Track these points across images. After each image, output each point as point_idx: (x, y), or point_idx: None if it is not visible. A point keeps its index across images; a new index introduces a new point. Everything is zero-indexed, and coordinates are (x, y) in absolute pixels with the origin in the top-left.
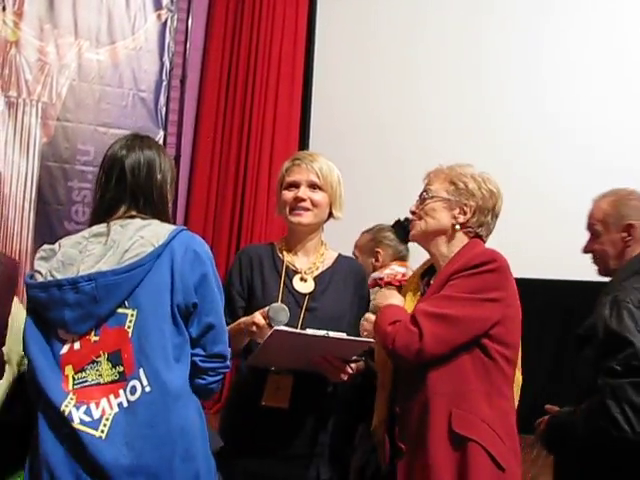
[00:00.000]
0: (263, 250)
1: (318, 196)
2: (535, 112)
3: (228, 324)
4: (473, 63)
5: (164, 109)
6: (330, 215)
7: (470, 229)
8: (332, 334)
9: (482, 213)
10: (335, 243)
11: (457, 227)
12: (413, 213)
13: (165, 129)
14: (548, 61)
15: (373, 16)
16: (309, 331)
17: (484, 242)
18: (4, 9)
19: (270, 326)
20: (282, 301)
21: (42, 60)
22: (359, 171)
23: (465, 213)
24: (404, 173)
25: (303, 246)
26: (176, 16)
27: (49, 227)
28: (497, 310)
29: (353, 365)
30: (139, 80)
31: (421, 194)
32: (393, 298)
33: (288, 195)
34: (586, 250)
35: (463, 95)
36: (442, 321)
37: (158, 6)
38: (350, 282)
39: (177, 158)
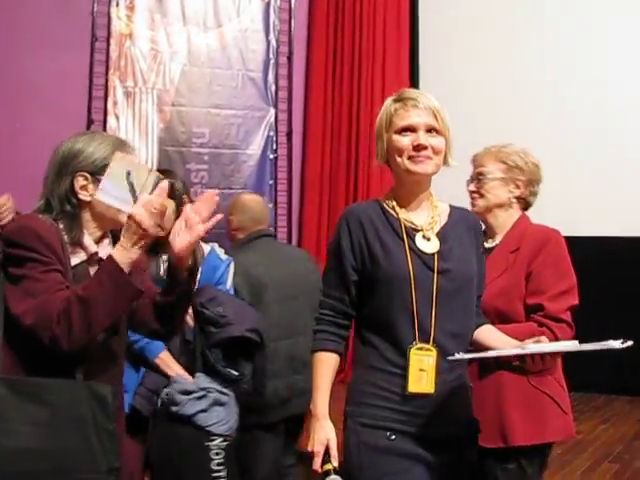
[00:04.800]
0: (371, 209)
1: (437, 141)
2: None
3: (341, 300)
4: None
5: (273, 87)
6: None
7: (523, 198)
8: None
9: (532, 184)
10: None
11: (513, 200)
12: (473, 192)
13: (276, 107)
14: None
15: None
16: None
17: (529, 207)
18: (117, 4)
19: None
20: (412, 264)
21: (154, 49)
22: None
23: (518, 187)
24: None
25: (416, 199)
26: None
27: None
28: None
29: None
30: (247, 60)
31: (477, 175)
32: None
33: (404, 141)
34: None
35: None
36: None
37: None
38: (471, 235)
39: (289, 134)
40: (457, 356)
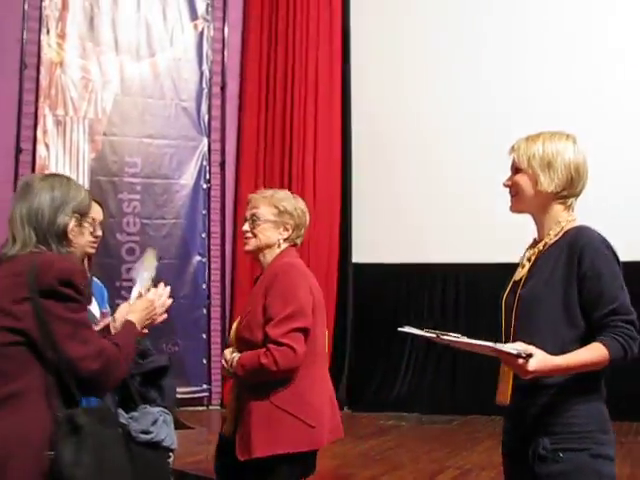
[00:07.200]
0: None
1: (516, 178)
2: None
3: None
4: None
5: (206, 117)
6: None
7: (291, 240)
8: (463, 338)
9: (299, 228)
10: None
11: (281, 241)
12: (247, 232)
13: (209, 136)
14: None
15: (406, 12)
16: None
17: (296, 247)
18: (48, 32)
19: None
20: (506, 292)
21: (86, 78)
22: (400, 173)
23: (287, 230)
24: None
25: (541, 229)
26: (212, 25)
27: (102, 240)
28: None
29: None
30: (180, 90)
31: (251, 216)
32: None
33: None
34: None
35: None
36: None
37: (194, 16)
38: (562, 259)
39: (222, 164)
40: (405, 328)
